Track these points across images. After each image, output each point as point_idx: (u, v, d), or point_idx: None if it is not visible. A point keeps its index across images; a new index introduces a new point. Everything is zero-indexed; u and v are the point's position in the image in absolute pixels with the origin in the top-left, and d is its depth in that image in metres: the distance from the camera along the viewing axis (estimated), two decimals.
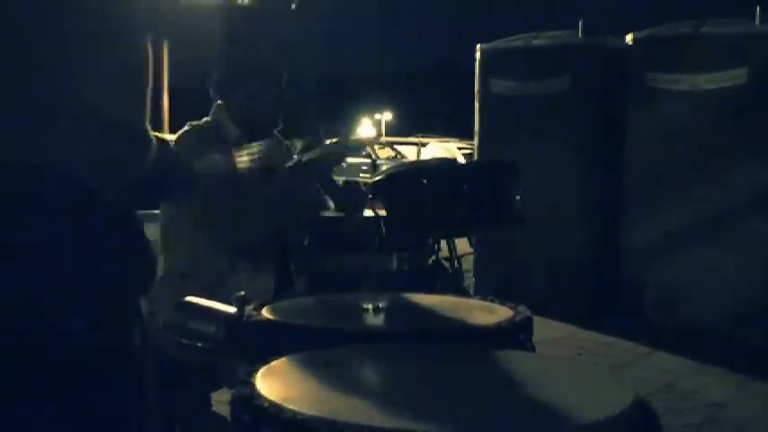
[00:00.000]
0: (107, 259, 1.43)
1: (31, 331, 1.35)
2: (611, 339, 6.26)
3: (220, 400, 2.81)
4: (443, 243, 2.84)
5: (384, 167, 2.97)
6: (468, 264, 7.06)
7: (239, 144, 2.82)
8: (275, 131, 3.00)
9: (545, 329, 5.99)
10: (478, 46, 7.85)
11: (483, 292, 6.33)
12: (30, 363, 1.35)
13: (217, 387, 2.75)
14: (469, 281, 7.23)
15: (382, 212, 2.63)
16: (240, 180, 2.60)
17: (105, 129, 1.41)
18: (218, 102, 2.91)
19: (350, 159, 23.31)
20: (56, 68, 1.37)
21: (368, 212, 2.74)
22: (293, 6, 2.86)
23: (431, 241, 2.76)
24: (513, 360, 1.39)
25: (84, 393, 1.40)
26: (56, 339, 1.37)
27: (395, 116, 57.98)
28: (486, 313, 1.67)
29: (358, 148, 2.84)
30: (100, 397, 1.43)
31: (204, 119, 2.90)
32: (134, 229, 1.51)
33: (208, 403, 2.82)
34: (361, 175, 19.19)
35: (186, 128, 2.85)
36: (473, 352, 1.41)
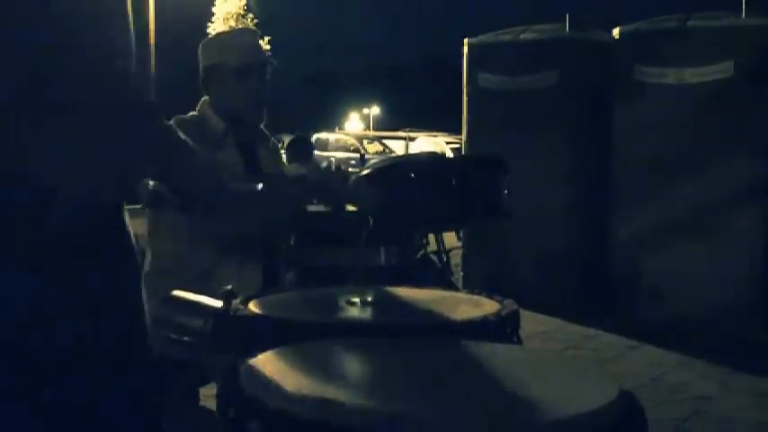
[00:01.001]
0: (92, 255, 1.43)
1: (29, 326, 1.35)
2: (598, 333, 6.28)
3: (208, 395, 2.81)
4: (432, 237, 2.85)
5: (372, 162, 2.97)
6: (456, 258, 7.07)
7: (225, 138, 2.83)
8: (261, 126, 3.00)
9: (532, 323, 6.00)
10: (466, 40, 7.85)
11: (471, 286, 6.34)
12: (27, 357, 1.35)
13: (204, 382, 2.74)
14: (458, 275, 7.24)
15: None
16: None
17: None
18: (204, 97, 2.91)
19: (339, 155, 23.36)
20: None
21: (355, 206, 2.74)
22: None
23: (419, 235, 2.76)
24: (499, 353, 1.39)
25: (79, 393, 1.40)
26: (53, 336, 1.37)
27: (383, 110, 57.96)
28: (473, 307, 1.68)
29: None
30: (96, 394, 1.43)
31: (191, 113, 2.90)
32: (119, 225, 1.51)
33: (195, 398, 2.82)
34: (349, 169, 19.14)
35: (173, 121, 2.84)
36: (458, 345, 1.41)
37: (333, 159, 21.68)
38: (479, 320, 1.54)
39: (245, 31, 3.44)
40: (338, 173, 2.88)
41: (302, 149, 7.90)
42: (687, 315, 6.25)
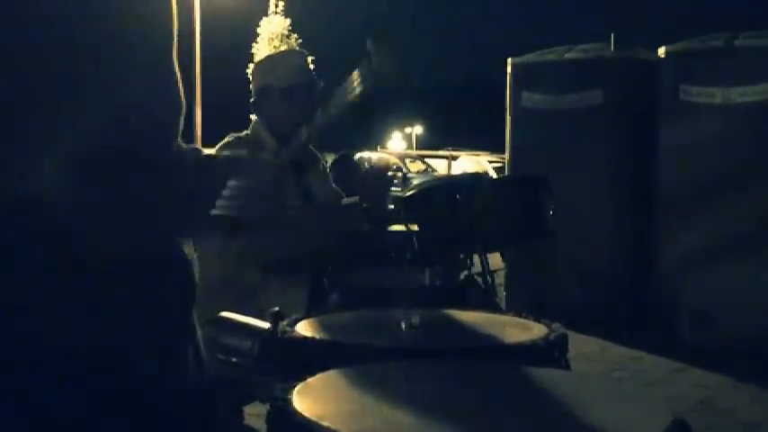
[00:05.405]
0: (150, 279, 1.44)
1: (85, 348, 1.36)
2: (643, 355, 6.19)
3: (253, 413, 2.82)
4: (476, 258, 2.84)
5: (415, 181, 2.98)
6: (500, 278, 7.03)
7: (277, 154, 2.88)
8: (311, 147, 3.07)
9: (576, 344, 5.92)
10: (509, 60, 7.84)
11: (514, 306, 6.29)
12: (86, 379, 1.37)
13: (250, 400, 2.76)
14: (500, 296, 7.19)
15: (414, 227, 2.63)
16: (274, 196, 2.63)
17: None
18: (255, 117, 2.99)
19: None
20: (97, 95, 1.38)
21: (400, 227, 2.74)
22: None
23: (463, 256, 2.75)
24: (548, 378, 1.38)
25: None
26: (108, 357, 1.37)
27: (425, 129, 58.02)
28: (521, 330, 1.67)
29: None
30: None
31: (244, 132, 2.99)
32: (176, 248, 1.52)
33: (240, 416, 2.84)
34: (392, 188, 19.14)
35: (228, 138, 2.93)
36: (509, 370, 1.41)
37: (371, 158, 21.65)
38: (528, 344, 1.53)
39: (293, 52, 3.54)
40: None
41: (346, 168, 7.94)
42: (734, 337, 6.14)
